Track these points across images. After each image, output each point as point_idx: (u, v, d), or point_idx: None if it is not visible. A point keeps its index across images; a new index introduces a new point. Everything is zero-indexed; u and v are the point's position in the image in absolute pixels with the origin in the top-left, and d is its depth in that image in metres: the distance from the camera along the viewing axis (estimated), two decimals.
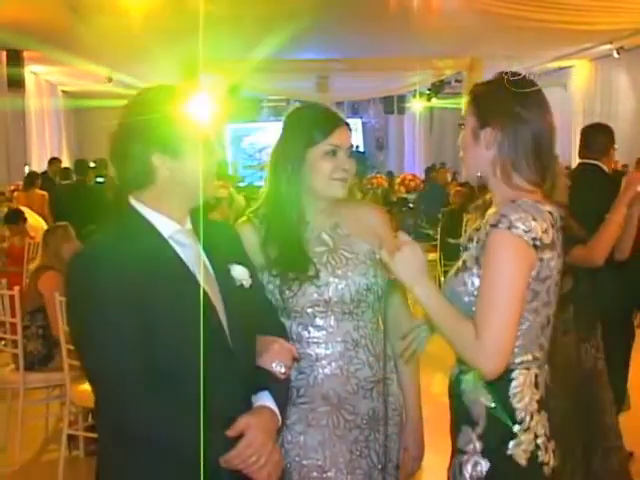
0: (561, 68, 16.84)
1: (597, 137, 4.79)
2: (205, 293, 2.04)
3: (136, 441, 1.95)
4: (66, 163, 13.90)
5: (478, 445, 2.10)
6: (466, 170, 2.26)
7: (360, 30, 12.19)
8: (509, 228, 1.99)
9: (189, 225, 2.13)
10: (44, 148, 16.16)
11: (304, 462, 2.35)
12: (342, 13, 11.19)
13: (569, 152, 16.78)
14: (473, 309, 2.04)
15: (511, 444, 2.08)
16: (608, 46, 13.78)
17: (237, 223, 2.51)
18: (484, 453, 2.10)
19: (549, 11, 10.25)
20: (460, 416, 2.16)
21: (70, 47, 12.83)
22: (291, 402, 2.34)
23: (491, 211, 2.15)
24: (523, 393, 2.10)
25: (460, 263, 2.16)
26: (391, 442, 2.46)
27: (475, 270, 2.08)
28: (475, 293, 2.06)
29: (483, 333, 1.95)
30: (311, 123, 2.39)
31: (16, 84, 13.53)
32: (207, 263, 2.11)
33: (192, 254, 2.08)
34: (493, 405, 2.09)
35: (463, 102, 2.32)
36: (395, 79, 17.72)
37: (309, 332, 2.37)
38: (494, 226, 2.01)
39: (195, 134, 2.06)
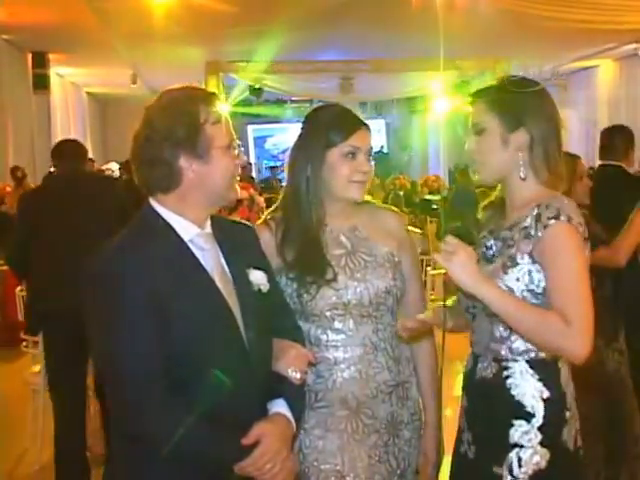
0: (585, 68, 16.69)
1: (616, 138, 4.77)
2: (223, 298, 2.03)
3: (150, 446, 1.94)
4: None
5: (537, 436, 2.14)
6: (487, 175, 2.25)
7: (384, 31, 12.16)
8: (569, 220, 2.06)
9: (209, 229, 2.12)
10: None
11: (322, 467, 2.34)
12: (366, 14, 11.17)
13: (593, 153, 16.67)
14: (532, 301, 2.10)
15: (565, 431, 2.17)
16: (633, 45, 13.64)
17: (256, 225, 2.49)
18: (543, 443, 2.14)
19: (573, 10, 10.17)
20: (506, 411, 2.18)
21: (95, 49, 12.93)
22: (309, 406, 2.33)
23: (523, 210, 2.16)
24: (568, 379, 2.21)
25: (504, 260, 2.16)
26: (410, 447, 2.44)
27: (527, 265, 2.11)
28: (530, 286, 2.11)
29: (575, 320, 2.00)
30: (331, 124, 2.37)
31: (42, 86, 13.63)
32: (225, 267, 2.10)
33: (211, 258, 2.07)
34: (548, 395, 2.15)
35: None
36: (419, 79, 17.65)
37: (327, 335, 2.35)
38: (555, 218, 2.06)
39: (222, 137, 2.05)
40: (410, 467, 2.44)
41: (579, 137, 17.24)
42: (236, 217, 5.24)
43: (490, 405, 2.22)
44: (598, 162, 4.88)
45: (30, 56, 13.56)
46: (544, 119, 2.18)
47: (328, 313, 2.34)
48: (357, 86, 17.81)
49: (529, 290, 2.11)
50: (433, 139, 22.57)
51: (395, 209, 2.63)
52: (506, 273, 2.14)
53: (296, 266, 2.34)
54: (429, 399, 2.52)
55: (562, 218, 2.06)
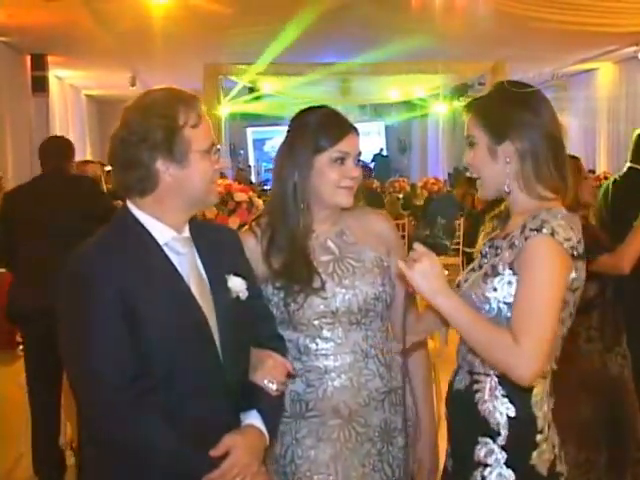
0: (585, 71, 16.69)
1: None
2: (197, 304, 1.99)
3: (117, 453, 1.91)
4: None
5: (501, 456, 2.06)
6: (485, 190, 2.19)
7: (383, 33, 12.14)
8: (552, 234, 1.97)
9: (187, 233, 2.07)
10: None
11: (315, 477, 2.30)
12: (365, 17, 11.16)
13: (593, 156, 16.68)
14: (508, 314, 2.01)
15: (534, 454, 2.06)
16: (633, 48, 13.63)
17: (240, 232, 2.45)
18: (508, 464, 2.06)
19: (572, 13, 10.16)
20: (474, 428, 2.11)
21: (94, 51, 12.92)
22: (300, 416, 2.30)
23: (517, 220, 2.10)
24: (542, 401, 2.09)
25: (488, 269, 2.11)
26: (405, 454, 2.39)
27: (508, 276, 2.04)
28: (507, 299, 2.03)
29: (523, 338, 1.91)
30: (319, 128, 2.31)
31: (40, 88, 13.62)
32: (203, 273, 2.06)
33: (187, 263, 2.03)
34: (514, 414, 2.06)
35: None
36: (418, 82, 17.66)
37: (317, 344, 2.31)
38: (537, 231, 1.98)
39: (201, 140, 2.00)
40: (406, 474, 2.40)
41: (578, 140, 17.25)
42: (235, 220, 5.23)
43: (461, 419, 2.17)
44: (628, 164, 4.83)
45: (29, 58, 13.55)
46: (532, 130, 2.08)
47: (316, 322, 2.29)
48: (356, 88, 17.84)
49: (505, 302, 2.04)
50: (432, 142, 22.58)
51: (382, 212, 2.59)
52: (485, 282, 2.09)
53: (283, 274, 2.30)
54: (423, 406, 2.49)
55: (544, 231, 1.97)
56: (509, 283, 2.04)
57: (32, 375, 4.57)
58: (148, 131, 1.94)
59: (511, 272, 2.03)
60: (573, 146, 17.19)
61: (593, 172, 15.60)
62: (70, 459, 4.71)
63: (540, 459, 2.06)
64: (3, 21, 11.00)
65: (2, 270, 8.11)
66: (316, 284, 2.29)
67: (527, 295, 1.97)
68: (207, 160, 2.02)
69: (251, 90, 16.78)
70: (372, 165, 20.34)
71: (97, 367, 1.87)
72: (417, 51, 13.78)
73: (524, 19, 10.50)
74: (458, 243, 9.12)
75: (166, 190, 1.99)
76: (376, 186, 14.77)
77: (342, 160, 2.31)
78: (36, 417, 4.59)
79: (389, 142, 24.13)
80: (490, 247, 2.17)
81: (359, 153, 2.37)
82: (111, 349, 1.87)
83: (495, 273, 2.07)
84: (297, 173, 2.31)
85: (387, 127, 23.77)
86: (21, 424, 5.03)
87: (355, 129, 2.36)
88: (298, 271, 2.29)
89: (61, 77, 16.11)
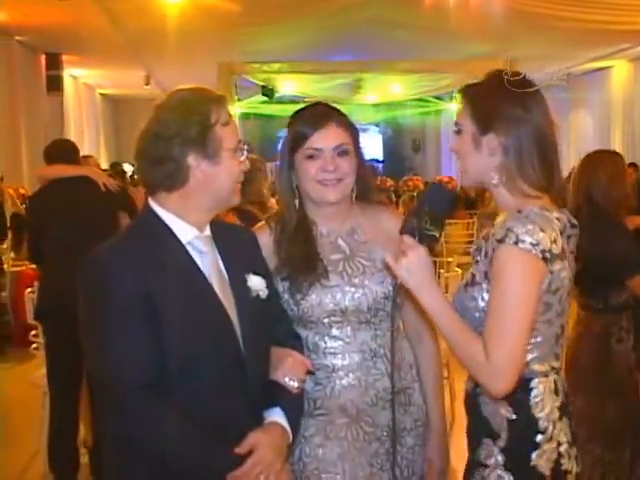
0: (600, 69, 16.60)
1: None
2: (220, 302, 2.01)
3: (139, 453, 1.92)
4: (104, 165, 14.00)
5: (500, 458, 2.05)
6: (465, 179, 2.16)
7: (396, 32, 12.13)
8: (516, 243, 1.92)
9: (208, 232, 2.09)
10: (82, 151, 16.24)
11: (323, 476, 2.30)
12: (378, 15, 11.15)
13: None
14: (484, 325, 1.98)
15: (534, 455, 2.03)
16: None
17: (255, 227, 2.47)
18: (507, 466, 2.04)
19: (586, 10, 10.11)
20: (479, 429, 2.10)
21: (108, 50, 12.98)
22: (308, 414, 2.30)
23: (499, 220, 2.07)
24: (544, 402, 2.05)
25: (469, 277, 2.09)
26: (414, 454, 2.40)
27: (484, 285, 2.02)
28: (485, 309, 2.00)
29: (493, 354, 1.90)
30: (296, 127, 2.34)
31: (55, 87, 13.70)
32: (224, 272, 2.07)
33: (209, 262, 2.05)
34: (514, 417, 2.04)
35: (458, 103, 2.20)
36: (431, 80, 17.62)
37: (325, 342, 2.32)
38: (500, 241, 1.94)
39: (231, 139, 2.03)
40: (415, 475, 2.40)
41: (593, 137, 17.16)
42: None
43: (470, 420, 2.17)
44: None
45: (43, 57, 13.63)
46: (520, 125, 2.01)
47: (326, 320, 2.30)
48: (369, 87, 17.80)
49: (484, 312, 2.00)
50: (446, 140, 22.52)
51: (396, 210, 2.58)
52: (466, 291, 2.07)
53: (287, 263, 2.32)
54: (434, 405, 2.47)
55: (508, 241, 1.92)
56: (487, 292, 2.01)
57: (53, 373, 4.59)
58: (182, 127, 1.96)
59: (487, 282, 2.01)
60: (587, 144, 17.13)
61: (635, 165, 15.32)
62: (84, 457, 4.73)
63: (541, 459, 2.03)
64: (18, 20, 11.07)
65: (19, 269, 8.23)
66: (319, 270, 2.29)
67: (496, 309, 1.94)
68: (235, 158, 2.05)
69: (265, 94, 16.79)
70: (379, 164, 20.28)
71: (118, 368, 1.88)
72: (430, 49, 13.77)
73: (537, 16, 10.46)
74: (472, 242, 9.13)
75: (194, 187, 2.00)
76: (390, 184, 14.73)
77: (316, 156, 2.30)
78: (54, 415, 4.59)
79: (402, 141, 24.08)
80: (477, 250, 2.12)
81: (339, 145, 2.31)
82: (132, 349, 1.87)
83: (474, 282, 2.06)
84: (283, 171, 2.37)
85: (400, 126, 23.71)
86: (35, 422, 5.06)
87: (336, 121, 2.33)
88: (300, 259, 2.30)
89: (76, 76, 16.19)
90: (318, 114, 2.35)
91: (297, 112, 2.42)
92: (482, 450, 2.08)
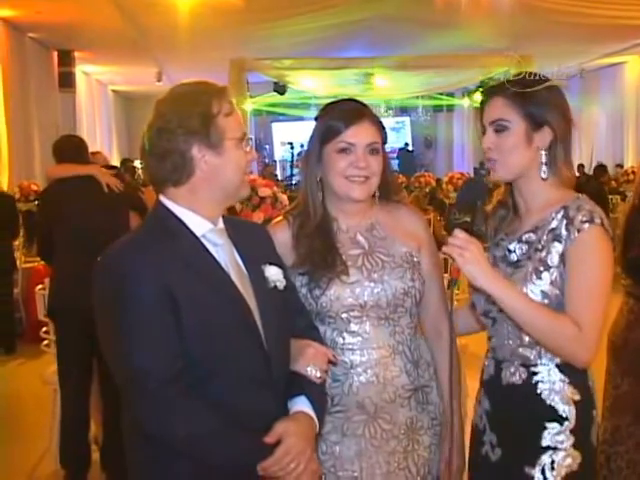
0: (613, 64, 16.52)
1: None
2: (240, 293, 1.99)
3: (169, 449, 1.91)
4: (116, 162, 14.04)
5: (571, 439, 2.15)
6: (506, 173, 2.21)
7: (409, 28, 12.10)
8: (602, 223, 2.07)
9: (221, 225, 2.08)
10: (94, 147, 16.31)
11: (339, 473, 2.29)
12: (390, 11, 11.11)
13: (621, 150, 16.51)
14: (562, 303, 2.10)
15: (592, 430, 2.20)
16: None
17: (272, 222, 2.46)
18: (576, 445, 2.16)
19: (599, 6, 10.06)
20: (540, 415, 2.18)
21: (120, 47, 13.00)
22: (325, 411, 2.27)
23: (542, 211, 2.15)
24: (593, 380, 2.22)
25: (535, 264, 2.14)
26: (430, 453, 2.38)
27: (559, 268, 2.11)
28: (563, 289, 2.10)
29: (585, 326, 2.04)
30: (329, 120, 2.33)
31: (67, 84, 13.75)
32: (240, 263, 2.06)
33: (225, 254, 2.04)
34: (578, 397, 2.17)
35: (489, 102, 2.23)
36: (444, 76, 17.57)
37: (344, 338, 2.30)
38: (589, 222, 2.06)
39: (235, 129, 2.02)
40: (430, 474, 2.38)
41: (607, 133, 17.09)
42: (259, 215, 5.24)
43: (520, 410, 2.21)
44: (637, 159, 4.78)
45: (56, 54, 13.68)
46: (565, 117, 2.17)
47: (344, 315, 2.28)
48: (382, 83, 17.76)
49: (562, 292, 2.10)
50: (458, 136, 22.48)
51: (415, 208, 2.57)
52: (540, 278, 2.12)
53: (306, 259, 2.30)
54: (452, 404, 2.43)
55: (597, 221, 2.06)
56: (561, 275, 2.10)
57: (64, 371, 4.60)
58: (184, 118, 1.95)
59: (563, 265, 2.10)
60: (600, 140, 17.04)
61: (620, 166, 15.47)
62: (95, 454, 4.73)
63: (595, 433, 2.22)
64: (30, 17, 11.10)
65: (30, 265, 8.25)
66: (339, 268, 2.28)
67: (586, 287, 2.06)
68: (241, 149, 2.04)
69: (276, 90, 16.79)
70: (396, 161, 20.26)
71: (142, 365, 1.86)
72: (443, 45, 13.72)
73: (550, 12, 10.42)
74: None
75: (201, 179, 1.99)
76: (402, 181, 14.70)
77: (348, 150, 2.29)
78: (65, 412, 4.61)
79: (414, 137, 24.03)
80: (519, 242, 2.20)
81: (371, 143, 2.32)
82: (154, 346, 1.86)
83: (547, 267, 2.12)
84: (311, 163, 2.35)
85: (412, 122, 23.67)
86: (46, 419, 5.06)
87: (369, 119, 2.33)
88: (320, 254, 2.29)
89: (88, 73, 16.23)
90: (353, 109, 2.34)
91: (329, 105, 2.42)
92: (547, 434, 2.16)
